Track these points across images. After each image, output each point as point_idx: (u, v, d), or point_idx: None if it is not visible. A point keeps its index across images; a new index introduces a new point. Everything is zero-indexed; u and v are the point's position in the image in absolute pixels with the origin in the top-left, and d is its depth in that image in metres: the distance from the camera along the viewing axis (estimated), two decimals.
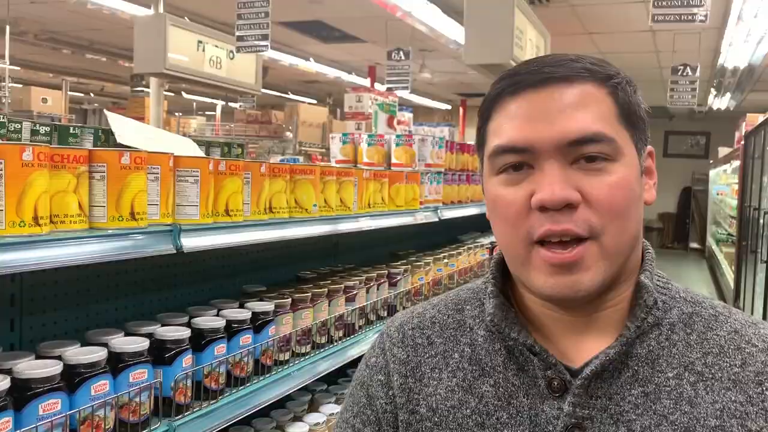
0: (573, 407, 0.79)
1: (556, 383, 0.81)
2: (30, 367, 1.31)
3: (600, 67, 0.83)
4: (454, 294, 1.00)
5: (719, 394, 0.79)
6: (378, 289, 2.71)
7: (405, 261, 3.16)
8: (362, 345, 2.48)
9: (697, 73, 8.16)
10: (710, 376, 0.80)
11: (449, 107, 16.40)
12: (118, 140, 1.92)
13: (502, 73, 0.86)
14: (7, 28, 7.35)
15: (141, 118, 7.50)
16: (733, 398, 0.79)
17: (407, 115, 5.93)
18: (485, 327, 0.90)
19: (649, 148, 0.88)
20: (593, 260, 0.79)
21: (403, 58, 8.20)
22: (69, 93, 9.93)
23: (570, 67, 0.81)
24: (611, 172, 0.79)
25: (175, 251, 1.53)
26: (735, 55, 8.49)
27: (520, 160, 0.81)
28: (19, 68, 11.50)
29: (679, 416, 0.78)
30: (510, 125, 0.81)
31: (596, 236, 0.78)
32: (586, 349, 0.83)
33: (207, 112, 15.60)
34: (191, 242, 1.59)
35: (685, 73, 8.13)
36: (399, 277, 2.89)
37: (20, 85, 10.77)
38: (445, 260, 3.43)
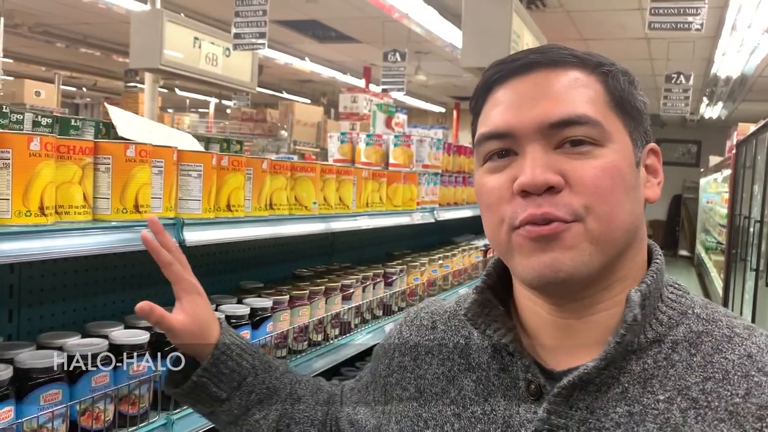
0: (548, 414, 0.77)
1: (533, 387, 0.80)
2: (31, 357, 1.31)
3: (590, 56, 0.81)
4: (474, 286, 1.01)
5: (710, 425, 0.72)
6: (374, 288, 2.72)
7: (401, 261, 3.16)
8: (357, 344, 2.48)
9: (691, 82, 8.23)
10: (705, 404, 0.73)
11: (443, 110, 16.44)
12: (120, 133, 1.92)
13: (490, 64, 0.83)
14: (1, 20, 7.31)
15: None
16: (725, 431, 0.71)
17: (401, 117, 5.93)
18: None
19: (652, 145, 0.84)
20: (576, 240, 0.75)
21: (398, 59, 8.21)
22: (61, 87, 9.89)
23: (557, 53, 0.79)
24: (597, 156, 0.76)
25: (177, 245, 1.53)
26: (728, 64, 8.57)
27: (504, 147, 0.79)
28: (11, 61, 11.43)
29: None
30: (494, 112, 0.80)
31: (580, 219, 0.75)
32: (576, 355, 0.80)
33: (200, 110, 15.57)
34: (193, 236, 1.59)
35: (678, 82, 8.19)
36: (395, 277, 2.89)
37: (12, 78, 10.72)
38: (440, 261, 3.44)
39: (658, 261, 0.83)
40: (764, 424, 0.70)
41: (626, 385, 0.76)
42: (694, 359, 0.76)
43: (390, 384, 0.96)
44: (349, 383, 1.12)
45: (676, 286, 0.84)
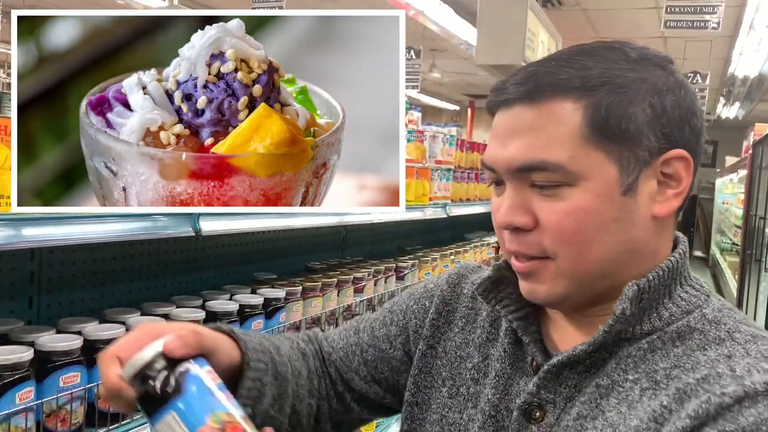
0: (537, 388, 0.82)
1: (534, 363, 0.85)
2: (52, 341, 1.35)
3: (581, 75, 0.76)
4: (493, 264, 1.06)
5: (658, 400, 0.73)
6: (386, 282, 2.75)
7: (412, 256, 3.19)
8: None
9: (707, 82, 8.18)
10: (664, 386, 0.74)
11: (457, 108, 16.43)
12: None
13: (495, 82, 0.85)
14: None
15: None
16: (665, 403, 0.72)
17: (416, 115, 5.94)
18: None
19: (676, 152, 0.78)
20: (549, 276, 0.80)
21: (413, 57, 8.23)
22: None
23: (536, 82, 0.78)
24: (565, 198, 0.76)
25: (193, 234, 1.56)
26: (746, 64, 8.51)
27: (495, 177, 0.83)
28: None
29: (614, 414, 0.76)
30: (489, 142, 0.84)
31: (551, 257, 0.79)
32: (581, 339, 0.83)
33: None
34: (209, 226, 1.61)
35: (695, 81, 8.14)
36: (406, 271, 2.92)
37: None
38: (452, 257, 3.46)
39: (671, 259, 0.82)
40: (702, 401, 0.69)
41: (609, 366, 0.80)
42: (675, 350, 0.77)
43: (420, 336, 1.00)
44: (341, 335, 1.08)
45: (696, 286, 0.82)
